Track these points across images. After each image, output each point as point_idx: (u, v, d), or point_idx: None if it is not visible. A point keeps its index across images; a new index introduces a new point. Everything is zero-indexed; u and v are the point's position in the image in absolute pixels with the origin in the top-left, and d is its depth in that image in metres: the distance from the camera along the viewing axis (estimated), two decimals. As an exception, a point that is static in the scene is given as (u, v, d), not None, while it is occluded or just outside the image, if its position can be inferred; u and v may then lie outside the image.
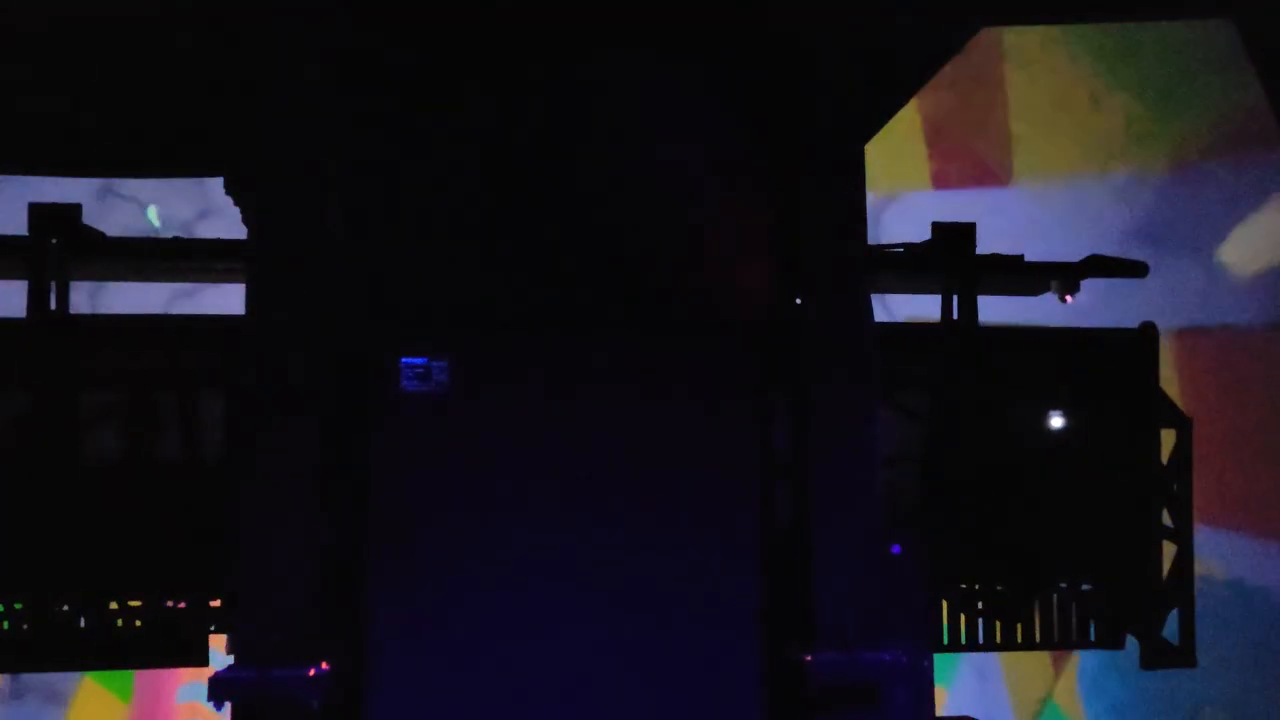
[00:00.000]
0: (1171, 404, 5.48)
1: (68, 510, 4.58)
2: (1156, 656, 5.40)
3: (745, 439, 4.16)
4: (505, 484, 3.98)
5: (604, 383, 4.09)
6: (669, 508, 4.07)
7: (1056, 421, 5.48)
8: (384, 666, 3.88)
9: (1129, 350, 5.51)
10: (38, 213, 4.64)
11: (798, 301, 4.22)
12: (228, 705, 3.66)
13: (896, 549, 4.40)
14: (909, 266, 5.41)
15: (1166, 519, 5.44)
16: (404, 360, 3.90)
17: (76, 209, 4.68)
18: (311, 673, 3.65)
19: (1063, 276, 5.82)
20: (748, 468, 4.15)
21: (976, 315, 5.36)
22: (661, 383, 4.13)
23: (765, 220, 4.26)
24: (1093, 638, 5.53)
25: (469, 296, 4.05)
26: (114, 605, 4.67)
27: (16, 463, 4.57)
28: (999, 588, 5.39)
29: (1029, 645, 5.56)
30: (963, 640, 5.44)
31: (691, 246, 4.22)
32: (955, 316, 5.36)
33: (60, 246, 4.62)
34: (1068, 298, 6.00)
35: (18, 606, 4.60)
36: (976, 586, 5.40)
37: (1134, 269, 5.79)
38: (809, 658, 3.99)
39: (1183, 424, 5.45)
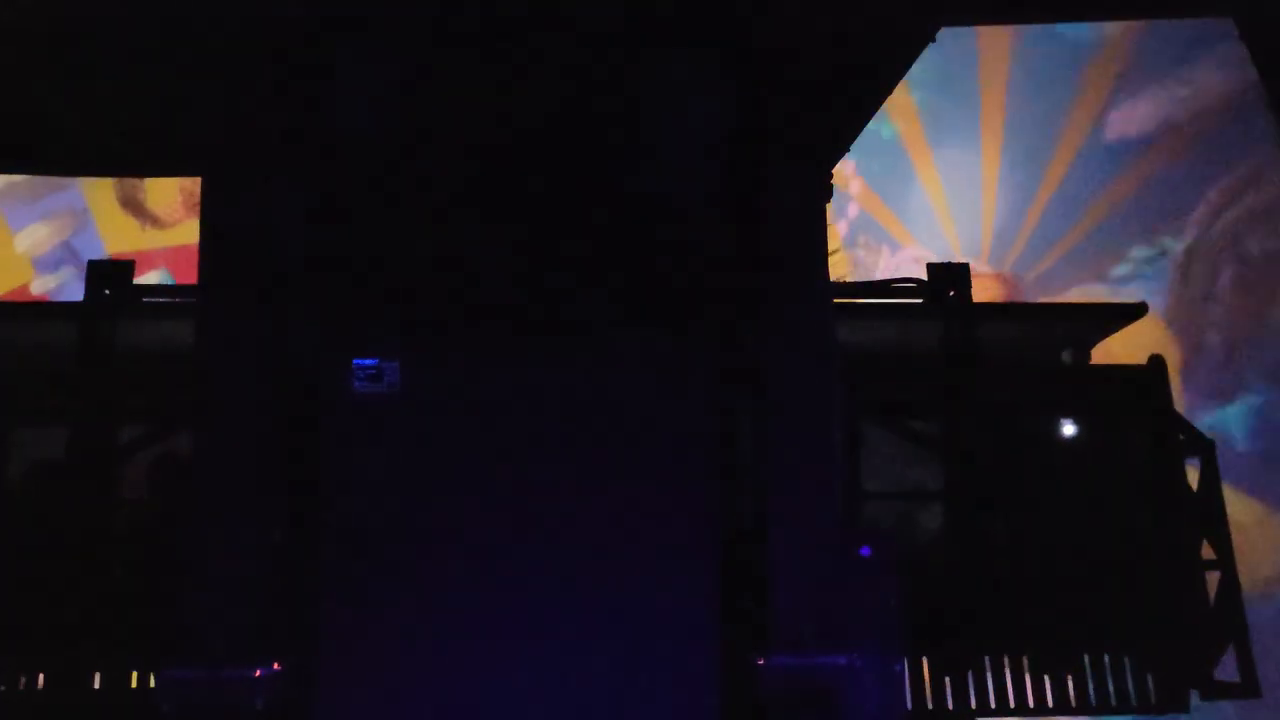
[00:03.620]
0: (1193, 428, 5.29)
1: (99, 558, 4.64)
2: (1215, 691, 5.00)
3: (704, 441, 4.10)
4: (458, 484, 3.94)
5: (560, 383, 4.08)
6: (626, 509, 3.99)
7: (1078, 460, 5.34)
8: (335, 668, 3.79)
9: (1141, 383, 5.38)
10: (94, 269, 4.97)
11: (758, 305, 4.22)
12: None
13: (866, 550, 4.19)
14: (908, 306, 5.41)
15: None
16: (356, 361, 3.94)
17: (130, 265, 5.01)
18: (258, 673, 3.62)
19: (1064, 321, 5.81)
20: (706, 470, 4.08)
21: (975, 355, 5.30)
22: (618, 384, 4.11)
23: (729, 221, 4.27)
24: (1154, 699, 5.15)
25: (422, 296, 4.09)
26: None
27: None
28: (1043, 642, 5.10)
29: (1084, 709, 5.19)
30: (1011, 704, 5.11)
31: (651, 247, 4.24)
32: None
33: (112, 299, 4.89)
34: None
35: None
36: (1018, 643, 5.12)
37: (1135, 311, 5.73)
38: (762, 661, 3.86)
39: (1206, 448, 5.24)
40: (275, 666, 3.65)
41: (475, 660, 3.83)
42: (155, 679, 3.67)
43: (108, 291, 4.91)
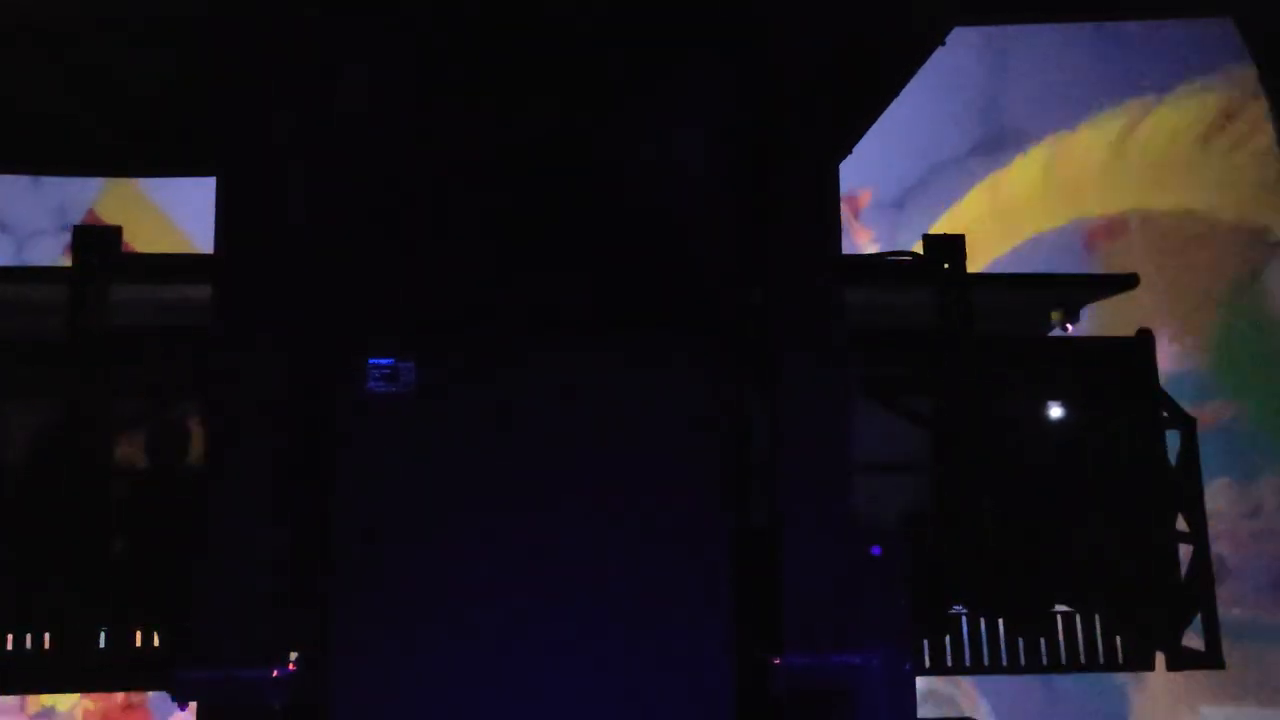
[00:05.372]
0: (1175, 404, 5.43)
1: (96, 525, 4.67)
2: (1181, 661, 5.25)
3: (716, 438, 4.15)
4: (472, 484, 4.00)
5: (573, 382, 4.12)
6: (639, 507, 4.05)
7: (1061, 429, 5.47)
8: (349, 667, 3.87)
9: (1127, 356, 5.51)
10: (81, 234, 4.86)
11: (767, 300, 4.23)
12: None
13: (877, 550, 4.30)
14: (904, 278, 5.46)
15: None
16: (371, 360, 3.96)
17: (117, 230, 4.90)
18: (275, 673, 3.67)
19: (1057, 291, 5.89)
20: (718, 467, 4.13)
21: (971, 326, 5.39)
22: (631, 382, 4.15)
23: (739, 218, 4.29)
24: (1121, 659, 5.39)
25: (436, 295, 4.10)
26: (137, 626, 4.67)
27: (45, 478, 4.66)
28: (1019, 604, 5.30)
29: (1055, 667, 5.42)
30: (985, 662, 5.33)
31: (663, 245, 4.27)
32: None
33: (101, 266, 4.79)
34: (1068, 327, 6.04)
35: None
36: (994, 603, 5.32)
37: (1126, 282, 5.82)
38: (777, 660, 3.92)
39: (1187, 423, 5.39)
40: (291, 667, 3.72)
41: (489, 658, 3.92)
42: (171, 680, 3.71)
43: (95, 259, 4.81)
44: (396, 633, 3.91)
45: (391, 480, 3.98)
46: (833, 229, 4.29)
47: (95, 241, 4.86)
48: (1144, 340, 5.50)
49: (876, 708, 4.11)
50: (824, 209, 4.24)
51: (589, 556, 4.00)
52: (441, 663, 3.90)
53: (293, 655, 3.79)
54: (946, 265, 5.39)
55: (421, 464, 4.00)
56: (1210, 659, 5.20)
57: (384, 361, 3.99)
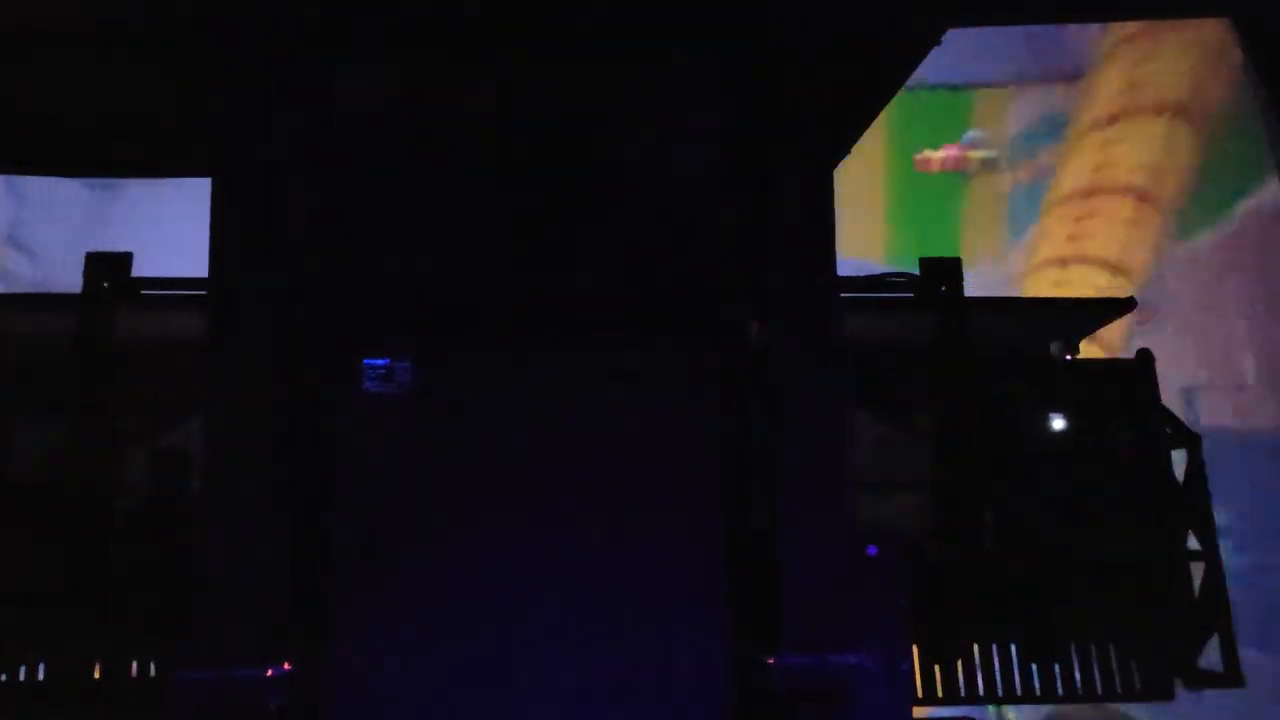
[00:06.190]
0: (1179, 422, 5.39)
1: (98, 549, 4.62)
2: (1198, 681, 5.12)
3: (715, 439, 4.12)
4: (468, 485, 3.96)
5: (571, 384, 4.10)
6: (637, 509, 4.02)
7: (1067, 452, 5.42)
8: (346, 667, 3.81)
9: (1130, 376, 5.48)
10: (93, 260, 4.87)
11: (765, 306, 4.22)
12: None
13: (873, 550, 4.26)
14: (900, 299, 5.44)
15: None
16: (366, 361, 3.94)
17: (128, 257, 4.92)
18: (270, 673, 3.62)
19: (1054, 314, 5.89)
20: (717, 469, 4.10)
21: (969, 349, 5.36)
22: (629, 383, 4.13)
23: (739, 219, 4.29)
24: (1138, 686, 5.27)
25: (432, 296, 4.09)
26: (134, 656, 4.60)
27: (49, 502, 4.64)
28: (1031, 633, 5.19)
29: (1070, 697, 5.30)
30: (999, 691, 5.21)
31: (663, 246, 4.26)
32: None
33: (112, 291, 4.83)
34: (1069, 356, 6.03)
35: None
36: (1005, 632, 5.21)
37: (1124, 306, 5.81)
38: (773, 660, 3.88)
39: (1192, 441, 5.34)
40: (286, 666, 3.65)
41: (486, 659, 3.85)
42: (168, 680, 3.65)
43: (106, 284, 4.84)
44: (395, 632, 3.85)
45: (390, 480, 3.94)
46: (831, 229, 4.27)
47: (106, 266, 4.89)
48: (1144, 361, 5.49)
49: (874, 707, 4.03)
50: (823, 209, 4.24)
51: (588, 556, 3.95)
52: (440, 661, 3.83)
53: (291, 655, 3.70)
54: (943, 287, 5.39)
55: (420, 463, 3.97)
56: (1229, 678, 5.09)
57: (379, 362, 3.97)
